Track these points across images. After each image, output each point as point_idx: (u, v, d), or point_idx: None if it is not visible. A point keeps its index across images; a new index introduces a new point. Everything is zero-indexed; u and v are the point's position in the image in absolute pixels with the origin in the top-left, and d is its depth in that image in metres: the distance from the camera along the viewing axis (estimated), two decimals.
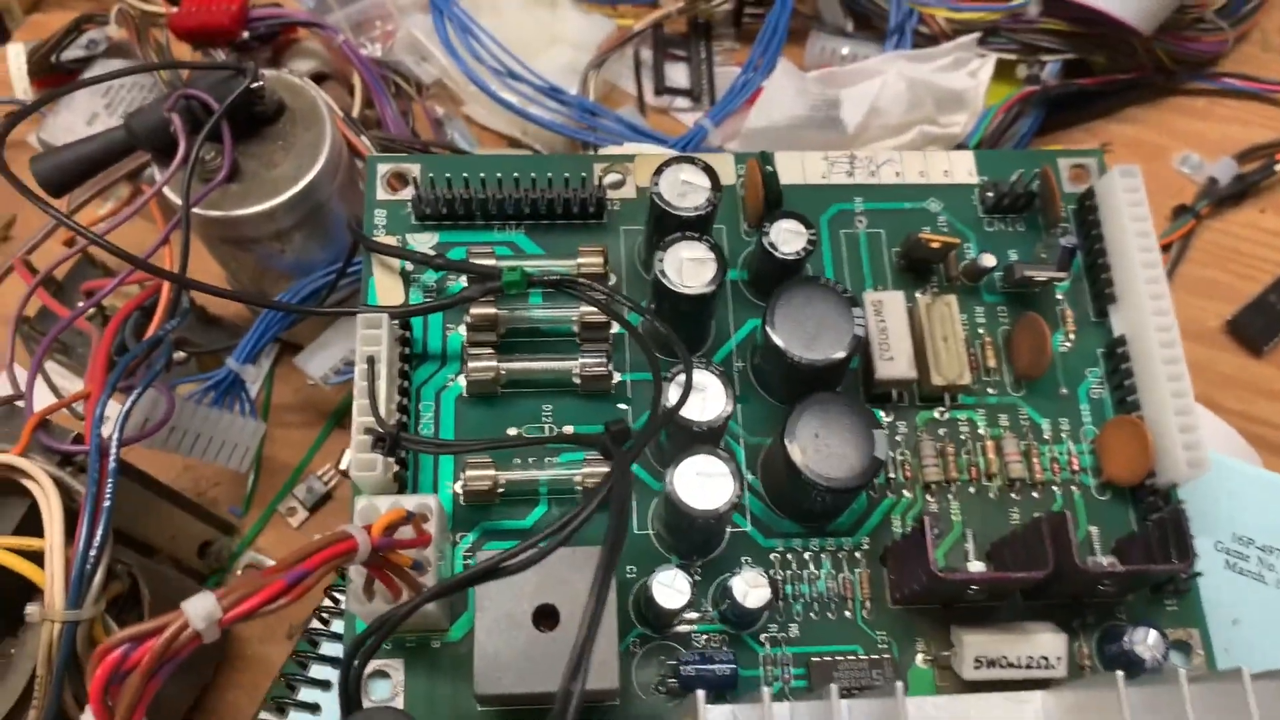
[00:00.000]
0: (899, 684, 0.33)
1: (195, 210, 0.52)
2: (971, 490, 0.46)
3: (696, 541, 0.44)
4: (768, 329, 0.43)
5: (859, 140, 0.61)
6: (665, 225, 0.45)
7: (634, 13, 0.74)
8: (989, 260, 0.48)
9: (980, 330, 0.49)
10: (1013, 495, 0.46)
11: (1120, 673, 0.33)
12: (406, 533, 0.38)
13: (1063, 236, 0.49)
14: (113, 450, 0.47)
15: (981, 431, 0.47)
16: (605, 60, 0.72)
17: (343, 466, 0.64)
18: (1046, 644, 0.42)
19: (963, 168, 0.52)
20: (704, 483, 0.40)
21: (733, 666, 0.42)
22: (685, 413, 0.41)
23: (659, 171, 0.45)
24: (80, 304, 0.59)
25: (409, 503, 0.40)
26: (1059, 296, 0.50)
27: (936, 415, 0.48)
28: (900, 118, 0.62)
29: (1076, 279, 0.50)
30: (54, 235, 0.61)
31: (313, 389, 0.66)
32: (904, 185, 0.52)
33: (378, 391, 0.42)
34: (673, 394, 0.41)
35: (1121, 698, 0.32)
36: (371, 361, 0.43)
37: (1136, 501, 0.46)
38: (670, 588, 0.41)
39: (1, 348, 0.65)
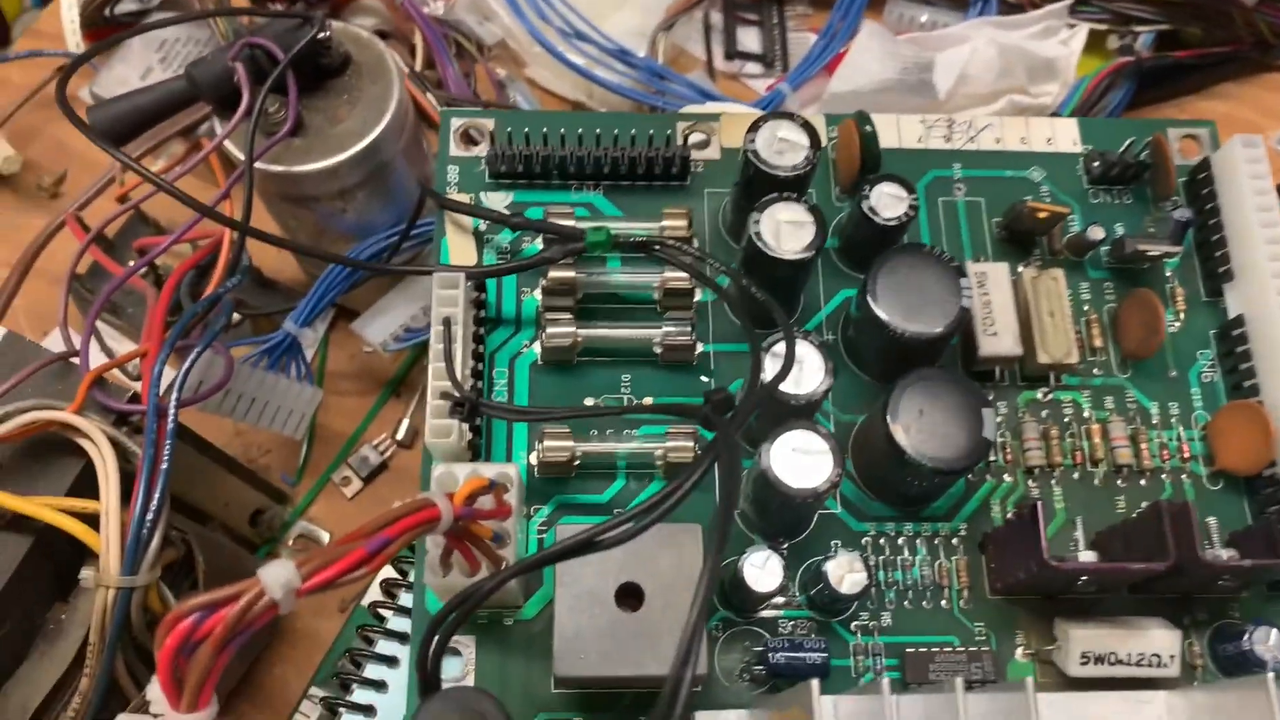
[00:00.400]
0: (1029, 680, 0.30)
1: (256, 165, 0.50)
2: (1075, 476, 0.44)
3: (786, 522, 0.41)
4: (868, 299, 0.41)
5: (946, 108, 0.58)
6: (759, 186, 0.42)
7: None
8: (1097, 233, 0.45)
9: (1085, 307, 0.46)
10: (1119, 483, 0.44)
11: (1271, 674, 0.30)
12: (486, 503, 0.36)
13: (1175, 210, 0.46)
14: (171, 410, 0.45)
15: (1086, 414, 0.45)
16: (674, 23, 0.69)
17: (399, 437, 0.62)
18: (1159, 641, 0.39)
19: (1066, 136, 0.49)
20: (801, 460, 0.37)
21: (825, 655, 0.39)
22: (782, 385, 0.38)
23: (754, 128, 0.42)
24: (133, 262, 0.58)
25: (489, 471, 0.38)
26: (1168, 274, 0.47)
27: (1039, 396, 0.45)
28: (990, 86, 0.59)
29: (1186, 256, 0.47)
30: (105, 192, 0.59)
31: (369, 355, 0.64)
32: (1005, 152, 0.49)
33: (454, 355, 0.40)
34: (769, 366, 0.38)
35: (1274, 701, 0.29)
36: (448, 323, 0.41)
37: (1252, 492, 0.43)
38: (762, 570, 0.38)
39: (53, 306, 0.64)
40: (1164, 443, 0.44)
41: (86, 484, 0.45)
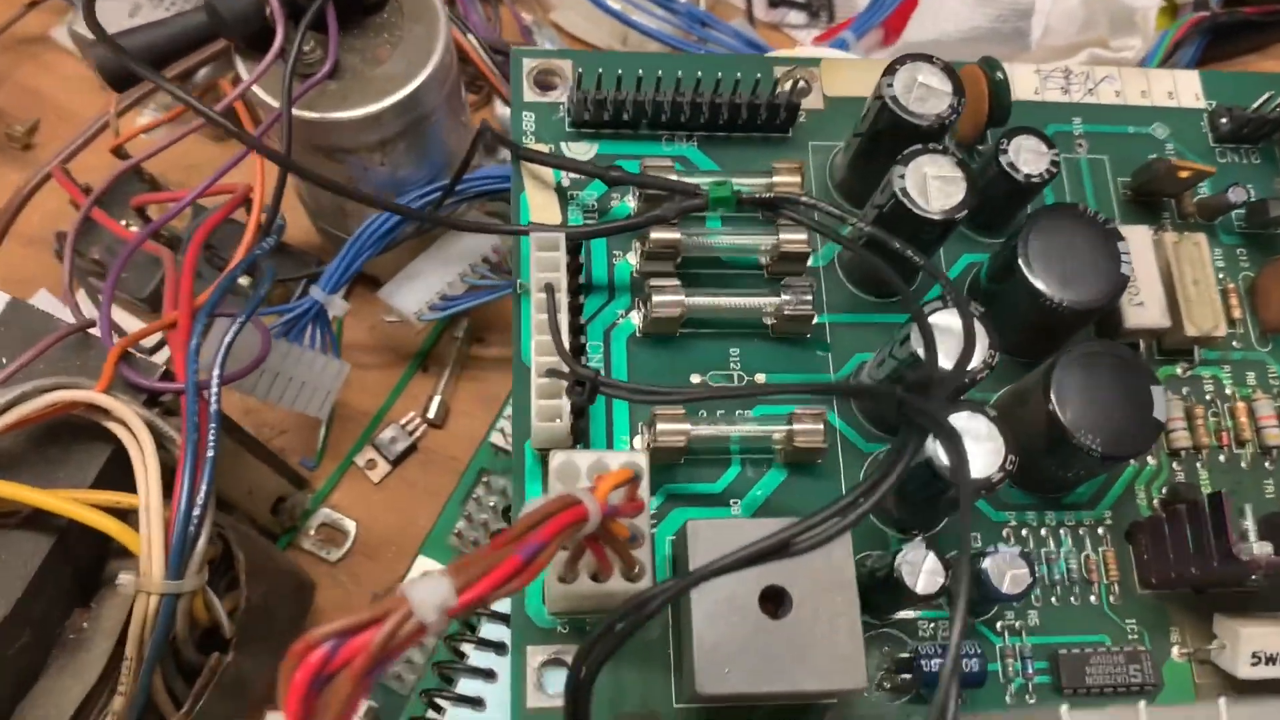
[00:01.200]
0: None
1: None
2: (1221, 459, 0.40)
3: (928, 514, 0.37)
4: (1022, 265, 0.36)
5: (1034, 59, 0.54)
6: (893, 137, 0.37)
7: None
8: (1240, 194, 0.41)
9: (1220, 275, 0.43)
10: (1266, 465, 0.40)
11: None
12: (615, 497, 0.31)
13: None
14: (214, 389, 0.39)
15: (1229, 391, 0.41)
16: None
17: (430, 415, 0.56)
18: None
19: (1189, 89, 0.45)
20: (969, 447, 0.33)
21: (982, 660, 0.35)
22: (942, 363, 0.34)
23: (891, 71, 0.37)
24: (132, 225, 0.51)
25: (614, 461, 0.33)
26: None
27: (1179, 372, 0.41)
28: (1071, 38, 0.55)
29: None
30: (92, 144, 0.52)
31: (391, 327, 0.58)
32: (1126, 107, 0.45)
33: (558, 327, 0.35)
34: (914, 339, 0.34)
35: None
36: (550, 290, 0.36)
37: None
38: (920, 570, 0.34)
39: (29, 269, 0.57)
40: None
41: (114, 475, 0.39)
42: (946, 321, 0.35)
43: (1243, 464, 0.40)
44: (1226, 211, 0.43)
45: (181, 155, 0.55)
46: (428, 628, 0.24)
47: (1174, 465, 0.40)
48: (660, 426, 0.37)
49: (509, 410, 0.56)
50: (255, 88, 0.45)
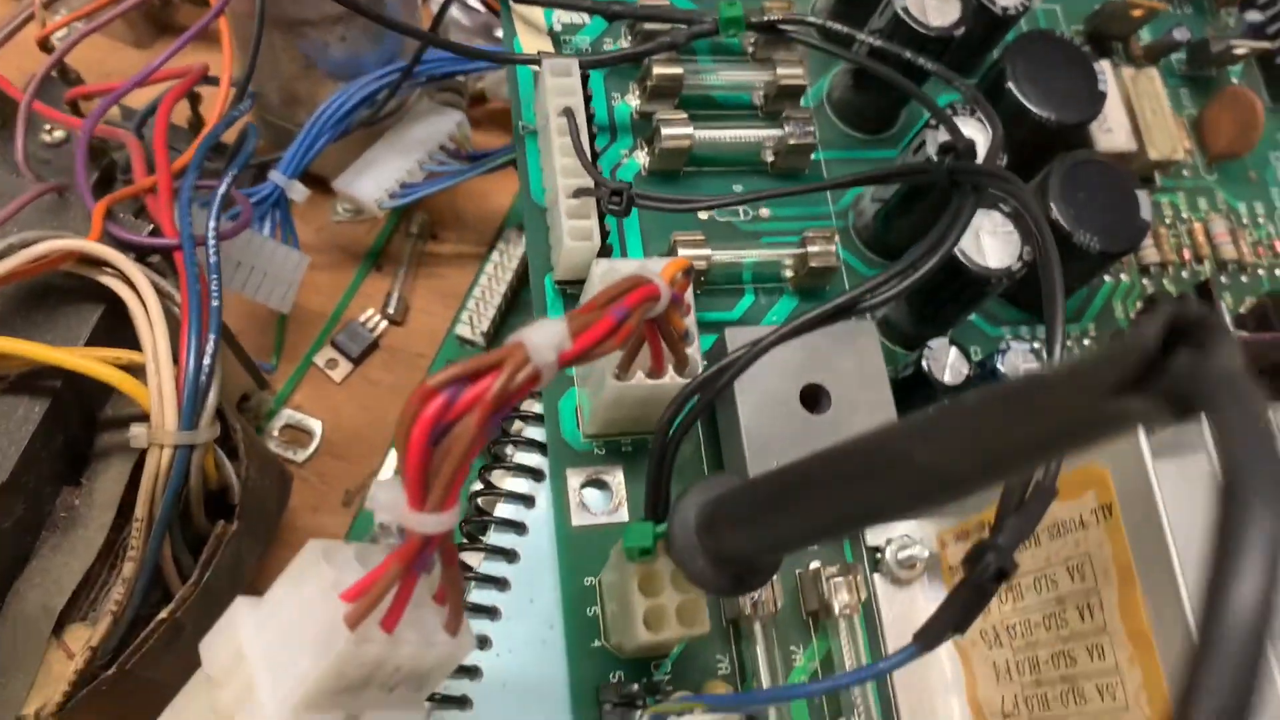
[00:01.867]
0: None
1: None
2: (1184, 274, 0.43)
3: (942, 319, 0.39)
4: (1011, 86, 0.38)
5: None
6: None
7: None
8: (1182, 33, 0.45)
9: (1171, 111, 0.46)
10: (1223, 279, 0.44)
11: None
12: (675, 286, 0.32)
13: (1245, 12, 0.46)
14: (211, 241, 0.38)
15: (1185, 215, 0.44)
16: None
17: (390, 310, 0.55)
18: None
19: None
20: (987, 241, 0.35)
21: None
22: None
23: None
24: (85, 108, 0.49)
25: (655, 265, 0.33)
26: (1234, 81, 0.47)
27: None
28: None
29: (1248, 65, 0.48)
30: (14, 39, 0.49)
31: (340, 227, 0.57)
32: None
33: (583, 146, 0.35)
34: (930, 143, 0.36)
35: None
36: (570, 113, 0.36)
37: None
38: (945, 364, 0.35)
39: None
40: (1259, 241, 0.44)
41: (106, 336, 0.38)
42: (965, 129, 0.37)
43: (1202, 277, 0.43)
44: (1170, 52, 0.46)
45: (97, 63, 0.52)
46: (542, 373, 0.24)
47: (1144, 280, 0.43)
48: (681, 252, 0.37)
49: (472, 302, 0.55)
50: None
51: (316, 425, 0.53)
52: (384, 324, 0.55)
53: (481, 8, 0.57)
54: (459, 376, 0.24)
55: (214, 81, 0.45)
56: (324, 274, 0.56)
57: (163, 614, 0.36)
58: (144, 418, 0.36)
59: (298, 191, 0.50)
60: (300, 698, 0.25)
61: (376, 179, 0.53)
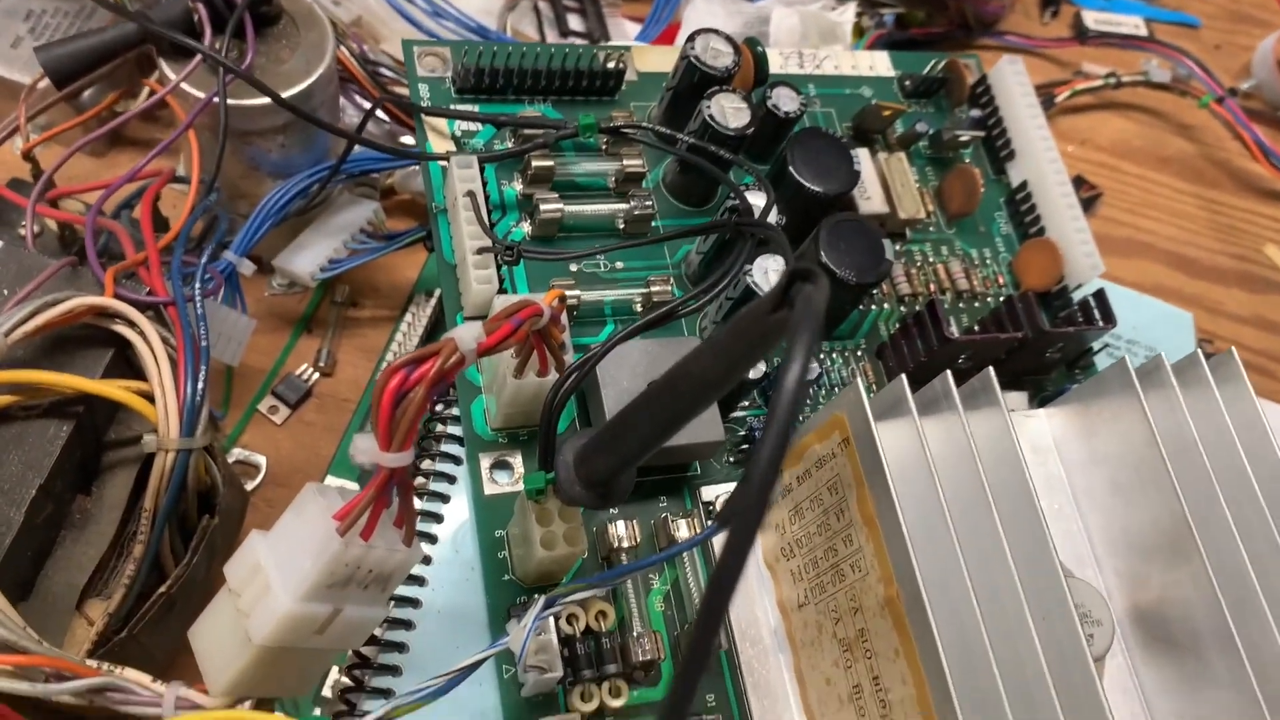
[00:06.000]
0: None
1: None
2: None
3: None
4: (791, 168, 0.53)
5: None
6: (697, 84, 0.53)
7: None
8: (924, 126, 0.61)
9: (915, 183, 0.62)
10: (960, 305, 0.59)
11: (1136, 380, 0.45)
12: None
13: (971, 111, 0.63)
14: (197, 296, 0.50)
15: (930, 259, 0.60)
16: (516, 5, 0.80)
17: (321, 364, 0.67)
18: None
19: (883, 63, 0.65)
20: (773, 275, 0.49)
21: None
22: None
23: (691, 40, 0.54)
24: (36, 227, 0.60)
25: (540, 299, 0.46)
26: (966, 159, 0.63)
27: (898, 247, 0.59)
28: (795, 44, 0.74)
29: (976, 145, 0.64)
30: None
31: (274, 298, 0.69)
32: (843, 75, 0.64)
33: (483, 218, 0.48)
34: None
35: (1144, 403, 0.44)
36: (472, 194, 0.49)
37: (1048, 307, 0.60)
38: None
39: None
40: (986, 276, 0.60)
41: (116, 372, 0.49)
42: (752, 200, 0.51)
43: (945, 305, 0.59)
44: (917, 139, 0.62)
45: (63, 170, 0.64)
46: (466, 358, 0.37)
47: (901, 307, 0.58)
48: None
49: (390, 355, 0.67)
50: (185, 85, 0.56)
51: (262, 459, 0.64)
52: (316, 375, 0.67)
53: (388, 119, 0.70)
54: (411, 360, 0.36)
55: (183, 180, 0.57)
56: (264, 337, 0.68)
57: (162, 589, 0.47)
58: (138, 440, 0.47)
59: (246, 267, 0.62)
60: (305, 588, 0.36)
61: (310, 256, 0.65)
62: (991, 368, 0.42)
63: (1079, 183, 0.78)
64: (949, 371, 0.41)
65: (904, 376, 0.40)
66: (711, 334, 0.29)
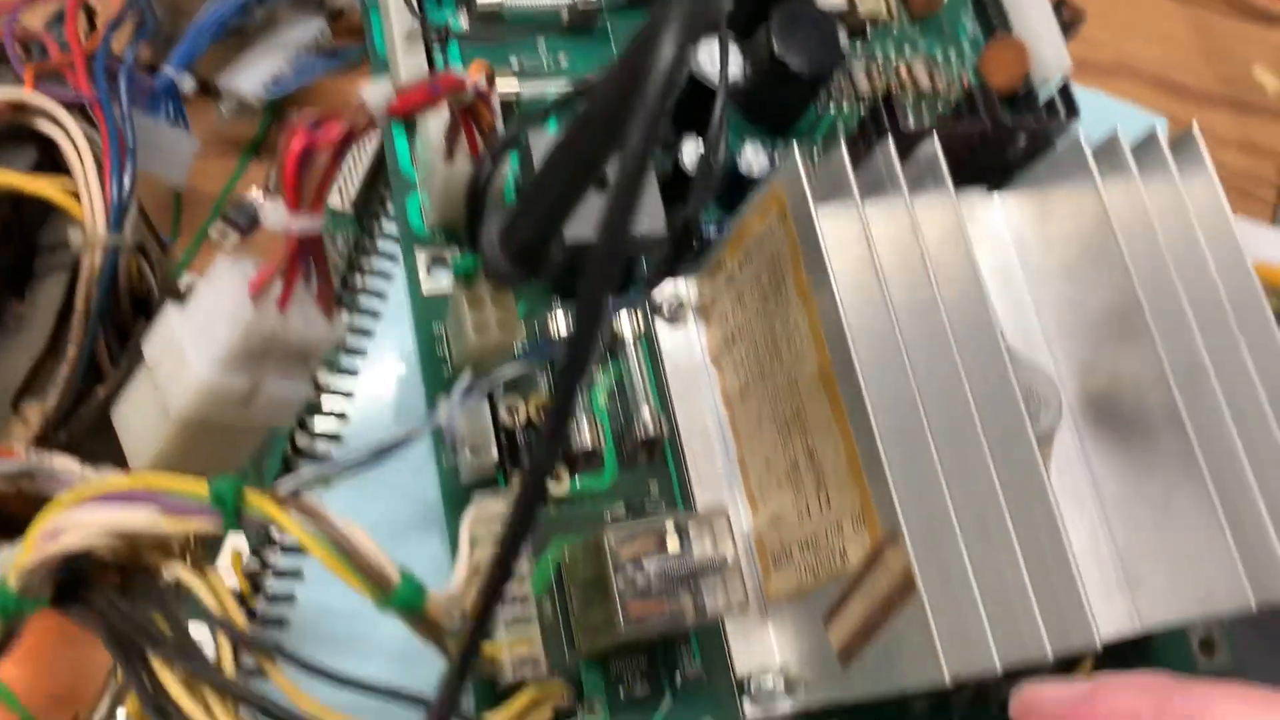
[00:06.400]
0: None
1: None
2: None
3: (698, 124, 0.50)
4: None
5: None
6: None
7: None
8: None
9: None
10: (923, 106, 0.57)
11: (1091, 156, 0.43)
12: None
13: None
14: (124, 94, 0.48)
15: (892, 57, 0.57)
16: None
17: (270, 187, 0.65)
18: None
19: None
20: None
21: None
22: None
23: None
24: None
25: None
26: None
27: (859, 45, 0.57)
28: None
29: None
30: None
31: (223, 125, 0.67)
32: None
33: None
34: None
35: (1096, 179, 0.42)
36: None
37: (1015, 109, 0.58)
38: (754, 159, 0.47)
39: None
40: (950, 80, 0.58)
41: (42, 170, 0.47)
42: None
43: (907, 103, 0.56)
44: None
45: None
46: (375, 118, 0.36)
47: (861, 108, 0.56)
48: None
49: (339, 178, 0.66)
50: None
51: None
52: (265, 199, 0.65)
53: None
54: (317, 119, 0.35)
55: None
56: (213, 162, 0.66)
57: (100, 390, 0.46)
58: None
59: (186, 82, 0.60)
60: (219, 356, 0.35)
61: (253, 74, 0.63)
62: (936, 137, 0.40)
63: (1060, 4, 0.74)
64: (890, 137, 0.39)
65: (843, 143, 0.39)
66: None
